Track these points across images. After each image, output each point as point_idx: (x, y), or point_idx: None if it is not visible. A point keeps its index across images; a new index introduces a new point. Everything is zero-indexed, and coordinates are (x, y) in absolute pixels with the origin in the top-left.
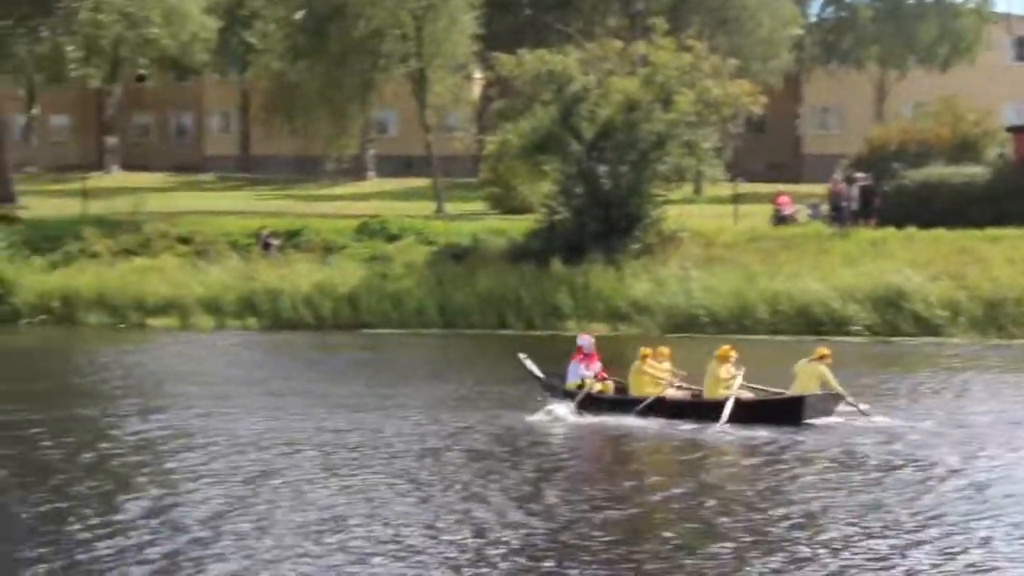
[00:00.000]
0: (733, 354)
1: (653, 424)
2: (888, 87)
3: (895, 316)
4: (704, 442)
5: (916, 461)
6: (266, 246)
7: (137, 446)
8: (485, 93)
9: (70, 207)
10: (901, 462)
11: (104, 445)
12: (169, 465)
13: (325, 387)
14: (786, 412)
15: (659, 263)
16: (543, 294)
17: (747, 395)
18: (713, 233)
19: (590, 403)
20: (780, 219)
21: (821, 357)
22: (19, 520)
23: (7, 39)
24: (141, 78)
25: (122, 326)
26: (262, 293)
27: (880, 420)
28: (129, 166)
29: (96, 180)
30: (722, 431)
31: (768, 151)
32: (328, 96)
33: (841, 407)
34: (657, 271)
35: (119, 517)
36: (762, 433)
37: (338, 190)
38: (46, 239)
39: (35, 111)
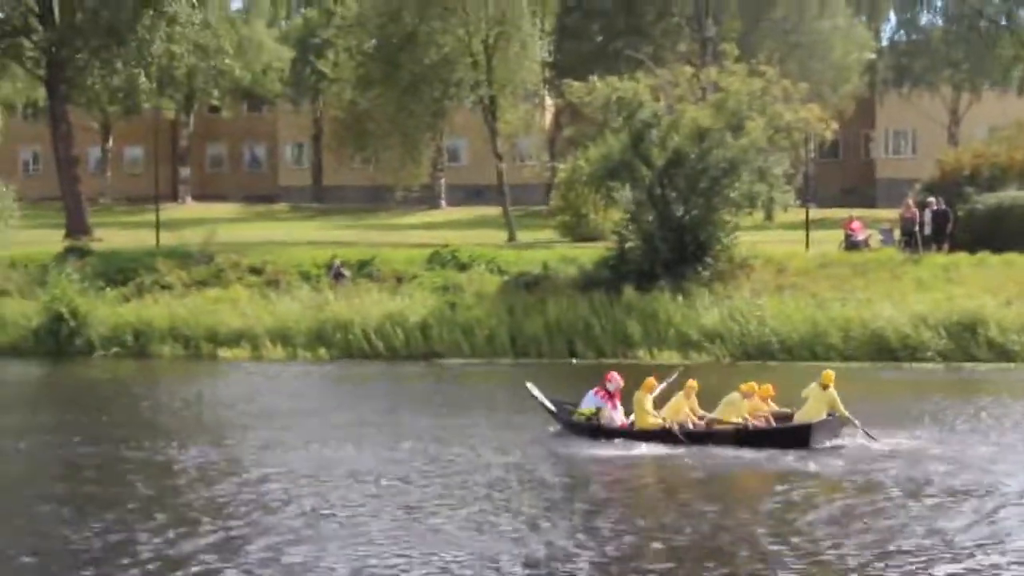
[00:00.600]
0: (763, 390)
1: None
2: (962, 111)
3: (969, 342)
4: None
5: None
6: (337, 276)
7: (204, 478)
8: (556, 120)
9: (144, 239)
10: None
11: (175, 479)
12: (241, 496)
13: (393, 417)
14: (795, 438)
15: (730, 290)
16: (613, 322)
17: (758, 423)
18: (784, 259)
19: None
20: (852, 244)
21: (827, 383)
22: (82, 552)
23: (81, 71)
24: (215, 108)
25: (194, 357)
26: (333, 323)
27: (887, 444)
28: (202, 197)
29: (170, 211)
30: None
31: (842, 176)
32: (399, 124)
33: (848, 431)
34: (728, 298)
35: (179, 550)
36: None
37: (409, 219)
38: (119, 271)
39: (109, 143)
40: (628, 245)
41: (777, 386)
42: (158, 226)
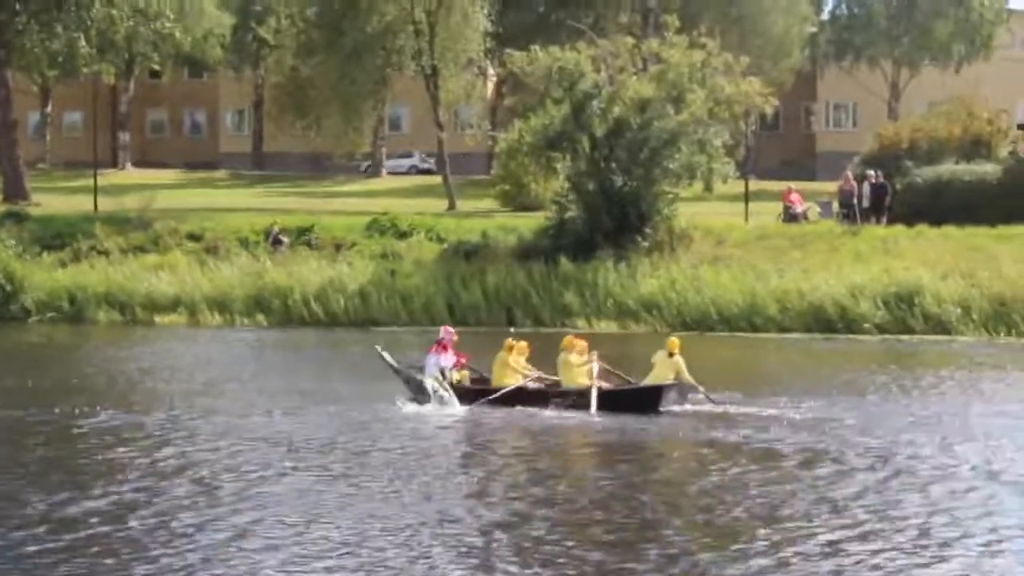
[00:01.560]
0: (580, 343)
1: (520, 412)
2: (902, 85)
3: (906, 314)
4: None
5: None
6: (276, 243)
7: (108, 442)
8: (497, 90)
9: (82, 204)
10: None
11: (80, 442)
12: (139, 461)
13: (312, 384)
14: (646, 401)
15: (669, 261)
16: (552, 292)
17: (607, 385)
18: (723, 231)
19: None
20: (791, 217)
21: (672, 351)
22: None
23: (20, 35)
24: (156, 74)
25: (130, 323)
26: (271, 290)
27: (732, 408)
28: (143, 163)
29: (109, 177)
30: (591, 417)
31: (782, 148)
32: (341, 92)
33: (694, 396)
34: (667, 269)
35: (66, 512)
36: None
37: (350, 187)
38: (57, 236)
39: (49, 107)
40: (568, 215)
41: (710, 355)
42: (96, 191)
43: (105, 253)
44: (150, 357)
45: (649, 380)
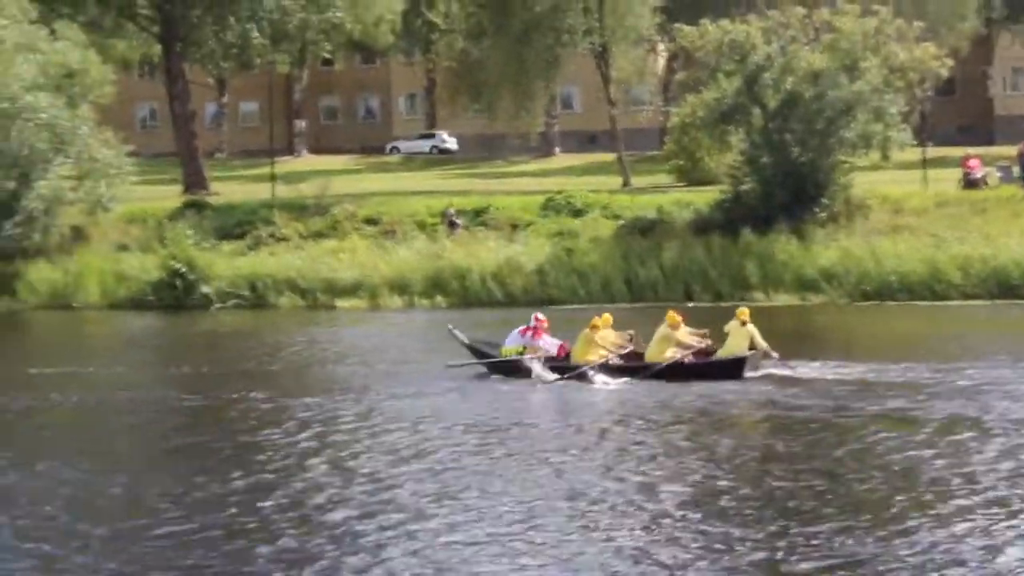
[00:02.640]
0: (678, 318)
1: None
2: None
3: None
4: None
5: None
6: (452, 224)
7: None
8: (669, 65)
9: (260, 192)
10: None
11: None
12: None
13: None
14: (730, 370)
15: (847, 231)
16: (729, 265)
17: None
18: (901, 199)
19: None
20: (970, 183)
21: (744, 319)
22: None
23: (195, 28)
24: (328, 61)
25: (311, 308)
26: (449, 271)
27: (804, 372)
28: (317, 149)
29: (285, 164)
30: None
31: (959, 114)
32: (512, 73)
33: (769, 363)
34: (845, 239)
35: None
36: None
37: (524, 167)
38: (236, 224)
39: (225, 98)
40: (743, 188)
41: (898, 326)
42: (274, 179)
43: (284, 240)
44: (329, 341)
45: (725, 350)
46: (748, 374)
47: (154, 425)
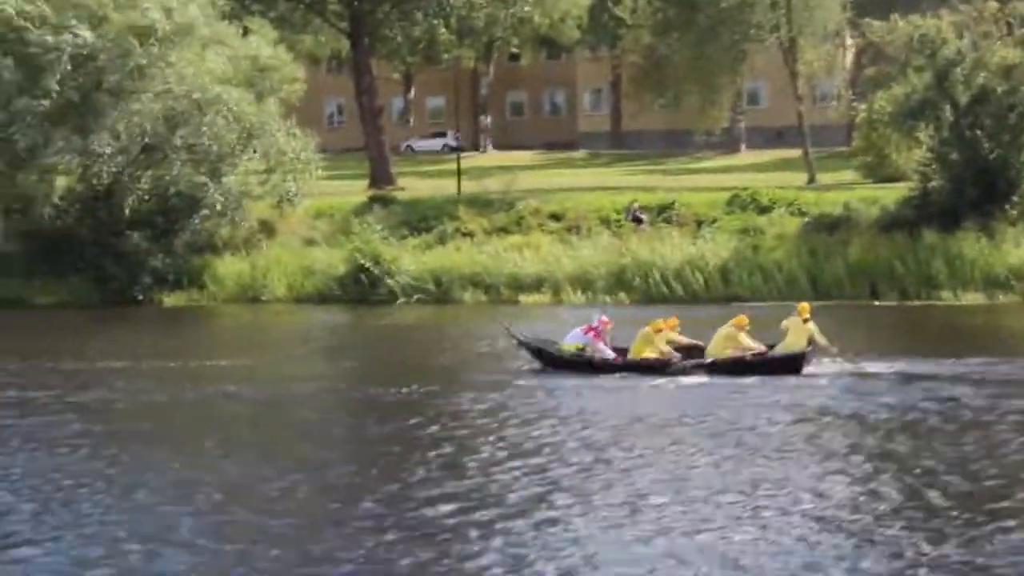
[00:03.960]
0: (746, 320)
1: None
2: None
3: None
4: None
5: None
6: (636, 220)
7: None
8: (857, 60)
9: (445, 187)
10: None
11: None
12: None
13: None
14: (789, 365)
15: None
16: (917, 263)
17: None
18: None
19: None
20: None
21: (806, 316)
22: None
23: (382, 23)
24: (514, 56)
25: (495, 303)
26: (633, 268)
27: (871, 367)
28: (503, 145)
29: (471, 160)
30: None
31: None
32: (698, 68)
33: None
34: None
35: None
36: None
37: (709, 163)
38: (422, 219)
39: (411, 94)
40: (931, 184)
41: None
42: (459, 174)
43: (470, 235)
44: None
45: (783, 346)
46: (808, 370)
47: (338, 418)
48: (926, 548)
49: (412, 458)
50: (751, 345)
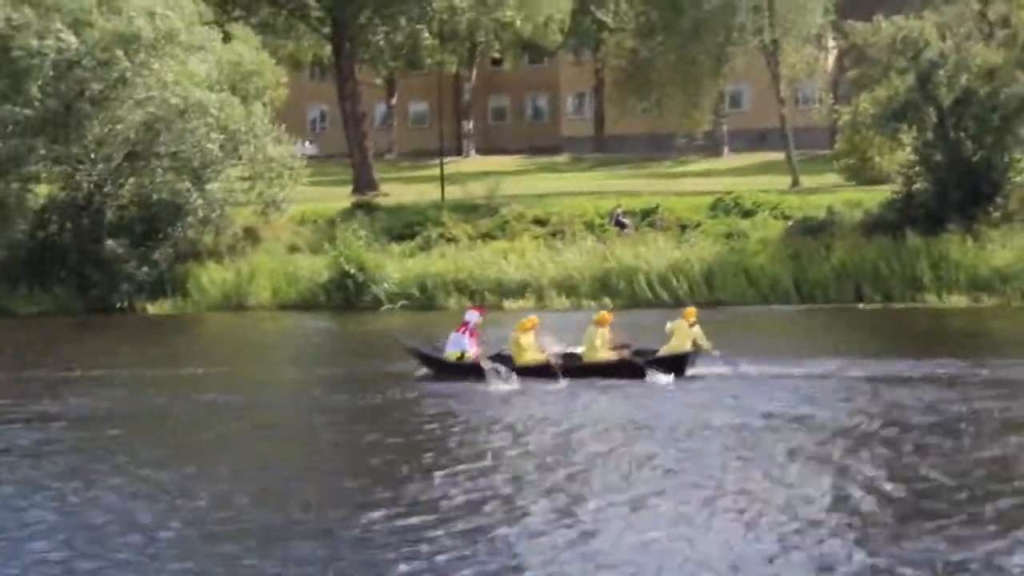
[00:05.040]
0: (609, 317)
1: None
2: None
3: None
4: None
5: None
6: (619, 225)
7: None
8: (839, 63)
9: (429, 192)
10: None
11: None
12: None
13: None
14: (675, 365)
15: (1022, 231)
16: (901, 266)
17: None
18: None
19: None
20: None
21: (692, 320)
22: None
23: (365, 28)
24: (497, 61)
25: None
26: (617, 272)
27: (748, 369)
28: (486, 150)
29: (454, 165)
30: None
31: None
32: (681, 71)
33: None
34: (1021, 239)
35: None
36: None
37: (692, 167)
38: (406, 225)
39: (394, 99)
40: (915, 187)
41: None
42: (443, 180)
43: (454, 240)
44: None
45: (668, 347)
46: (690, 371)
47: (313, 424)
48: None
49: (387, 464)
50: (620, 341)
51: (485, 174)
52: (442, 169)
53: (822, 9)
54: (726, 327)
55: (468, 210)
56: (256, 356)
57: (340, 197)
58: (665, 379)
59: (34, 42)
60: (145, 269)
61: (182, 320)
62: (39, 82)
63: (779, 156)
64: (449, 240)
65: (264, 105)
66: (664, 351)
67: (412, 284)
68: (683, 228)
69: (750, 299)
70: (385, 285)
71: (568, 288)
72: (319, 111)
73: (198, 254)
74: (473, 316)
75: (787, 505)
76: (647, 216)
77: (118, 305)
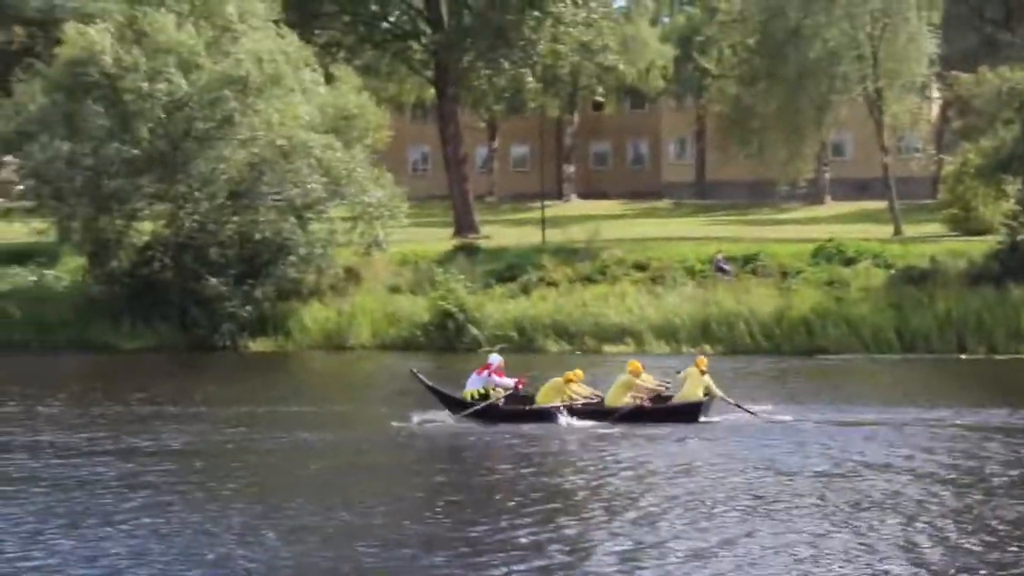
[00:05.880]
0: (640, 366)
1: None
2: None
3: None
4: None
5: None
6: (720, 270)
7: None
8: (943, 113)
9: (530, 235)
10: None
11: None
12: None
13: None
14: (687, 414)
15: None
16: (1005, 317)
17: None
18: None
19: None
20: None
21: (703, 369)
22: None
23: (469, 72)
24: (598, 106)
25: (579, 352)
26: (718, 318)
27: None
28: (586, 194)
29: (555, 208)
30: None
31: None
32: (784, 119)
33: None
34: None
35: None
36: None
37: (793, 214)
38: (507, 268)
39: (495, 142)
40: (1020, 238)
41: None
42: (543, 223)
43: (554, 284)
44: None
45: (681, 395)
46: (703, 419)
47: (407, 462)
48: None
49: (479, 502)
50: (652, 385)
51: (586, 218)
52: (543, 212)
53: (926, 60)
54: (827, 375)
55: (568, 254)
56: (352, 395)
57: (441, 239)
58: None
59: (144, 84)
60: (248, 307)
61: (283, 358)
62: (149, 124)
63: (881, 205)
64: (549, 283)
65: (366, 147)
66: (677, 399)
67: (511, 326)
68: (784, 275)
69: (851, 347)
70: (484, 327)
71: (668, 333)
72: (420, 153)
73: (300, 293)
74: (496, 359)
75: (869, 552)
76: (748, 262)
77: (222, 343)
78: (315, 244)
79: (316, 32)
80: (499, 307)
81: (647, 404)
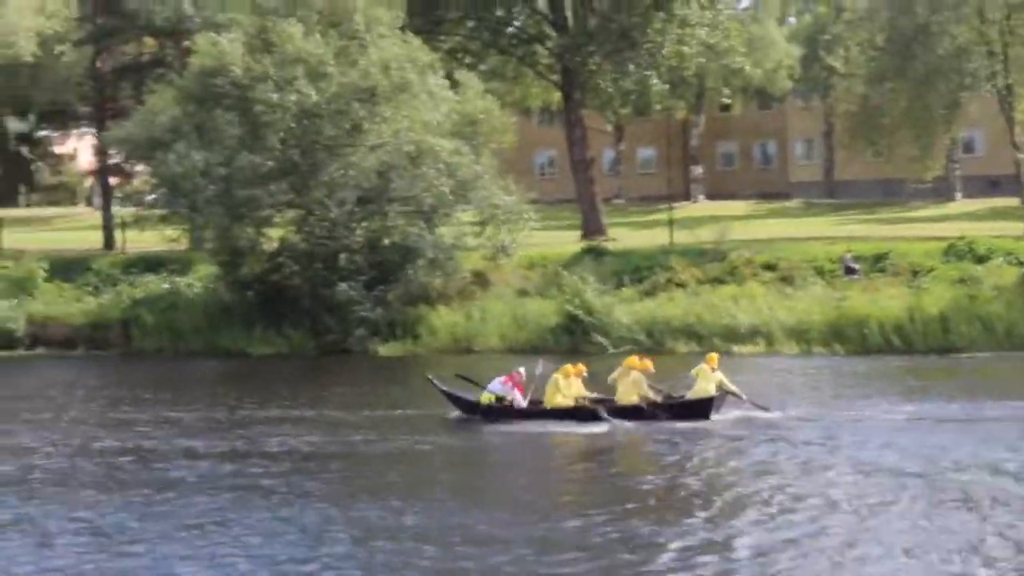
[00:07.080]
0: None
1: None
2: None
3: None
4: None
5: None
6: (849, 270)
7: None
8: None
9: (657, 237)
10: None
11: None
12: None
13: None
14: (699, 410)
15: None
16: None
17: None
18: None
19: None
20: None
21: (714, 366)
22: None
23: (595, 75)
24: (725, 107)
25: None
26: (849, 318)
27: (775, 415)
28: (714, 195)
29: (682, 210)
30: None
31: None
32: (912, 117)
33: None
34: None
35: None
36: None
37: (923, 212)
38: (635, 270)
39: (622, 145)
40: None
41: None
42: (671, 224)
43: (682, 285)
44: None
45: (693, 392)
46: (715, 416)
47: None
48: None
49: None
50: (648, 394)
51: (713, 219)
52: (671, 213)
53: None
54: (960, 373)
55: (696, 255)
56: None
57: (569, 242)
58: (628, 425)
59: (274, 95)
60: (378, 312)
61: (411, 362)
62: (280, 134)
63: (1012, 202)
64: (677, 285)
65: (493, 151)
66: (690, 396)
67: (640, 328)
68: (914, 273)
69: (985, 346)
70: (612, 329)
71: (799, 334)
72: (547, 156)
73: (428, 297)
74: (522, 373)
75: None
76: (878, 261)
77: (353, 348)
78: (443, 248)
79: (441, 38)
80: (627, 309)
81: (659, 400)
